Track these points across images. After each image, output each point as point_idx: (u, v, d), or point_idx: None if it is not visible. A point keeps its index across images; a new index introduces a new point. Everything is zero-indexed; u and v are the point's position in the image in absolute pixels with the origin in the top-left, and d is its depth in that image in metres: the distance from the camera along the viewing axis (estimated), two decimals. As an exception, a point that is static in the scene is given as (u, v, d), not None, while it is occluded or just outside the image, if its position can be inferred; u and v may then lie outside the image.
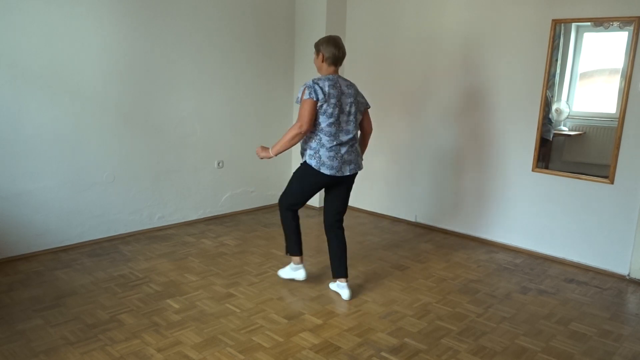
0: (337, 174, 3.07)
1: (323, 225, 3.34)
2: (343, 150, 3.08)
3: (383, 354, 2.61)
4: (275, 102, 5.17)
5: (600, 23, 3.64)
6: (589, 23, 3.69)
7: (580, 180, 3.81)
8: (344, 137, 3.07)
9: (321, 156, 3.04)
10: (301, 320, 2.93)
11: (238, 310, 3.02)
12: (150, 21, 4.06)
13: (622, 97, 3.55)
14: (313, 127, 3.03)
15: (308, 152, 3.09)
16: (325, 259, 3.89)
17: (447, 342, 2.74)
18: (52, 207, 3.76)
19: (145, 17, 4.02)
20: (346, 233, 4.50)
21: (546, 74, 3.85)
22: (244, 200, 5.09)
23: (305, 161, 3.10)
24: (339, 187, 3.22)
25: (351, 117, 3.09)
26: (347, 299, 3.21)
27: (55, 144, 3.70)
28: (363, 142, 3.35)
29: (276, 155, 3.12)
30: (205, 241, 4.19)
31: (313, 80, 3.01)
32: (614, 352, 2.71)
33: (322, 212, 5.33)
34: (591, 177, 3.76)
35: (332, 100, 2.98)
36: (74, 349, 2.55)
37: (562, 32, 3.81)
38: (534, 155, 4.00)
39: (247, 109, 4.92)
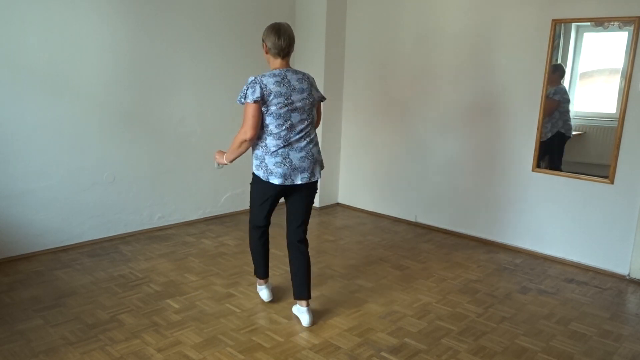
0: (287, 183, 2.71)
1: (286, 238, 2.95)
2: (293, 155, 2.70)
3: (383, 354, 2.61)
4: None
5: (600, 23, 3.64)
6: (589, 23, 3.69)
7: (580, 180, 3.81)
8: (296, 140, 2.70)
9: (267, 164, 2.69)
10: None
11: (238, 310, 3.02)
12: (150, 21, 4.06)
13: (622, 97, 3.55)
14: (261, 130, 2.69)
15: (254, 161, 2.76)
16: (326, 259, 3.89)
17: (447, 342, 2.74)
18: (52, 207, 3.76)
19: (145, 18, 4.02)
20: (346, 233, 4.53)
21: (546, 74, 3.85)
22: (244, 200, 5.08)
23: (253, 172, 2.79)
24: (295, 196, 2.84)
25: (305, 116, 2.72)
26: (308, 325, 2.84)
27: (55, 144, 3.70)
28: None
29: (231, 162, 2.82)
30: (205, 241, 4.19)
31: (258, 77, 2.62)
32: (614, 352, 2.71)
33: (321, 212, 5.36)
34: (591, 177, 3.76)
35: (278, 100, 2.61)
36: (74, 349, 2.55)
37: (562, 32, 3.81)
38: (534, 155, 4.00)
39: (247, 109, 4.91)
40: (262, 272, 3.10)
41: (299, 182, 2.73)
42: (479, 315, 3.07)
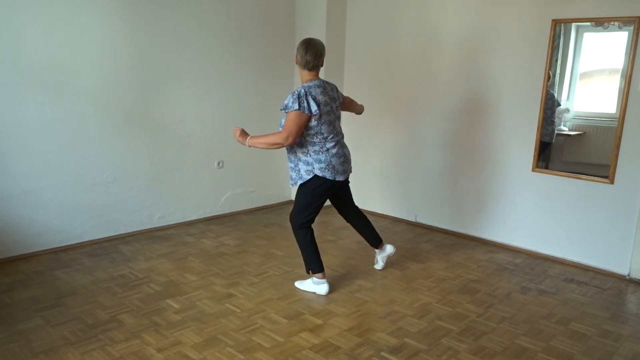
0: (345, 177, 3.20)
1: (343, 219, 3.59)
2: (346, 151, 3.22)
3: (383, 354, 2.61)
4: (275, 102, 5.15)
5: (600, 23, 3.64)
6: (589, 23, 3.69)
7: (580, 180, 3.81)
8: (342, 139, 3.20)
9: (334, 165, 3.08)
10: (301, 320, 2.93)
11: (238, 310, 3.02)
12: (150, 22, 4.06)
13: (622, 97, 3.55)
14: (308, 139, 3.03)
15: (316, 165, 3.05)
16: (325, 259, 3.88)
17: (447, 342, 2.74)
18: (52, 207, 3.76)
19: (146, 18, 4.02)
20: (346, 233, 4.54)
21: (546, 74, 3.85)
22: (244, 200, 5.09)
23: (315, 176, 3.06)
24: (342, 189, 3.36)
25: (339, 120, 3.23)
26: (393, 252, 3.67)
27: (55, 144, 3.70)
28: (359, 111, 3.58)
29: (249, 147, 3.05)
30: (205, 241, 4.19)
31: (305, 89, 2.93)
32: (614, 352, 2.71)
33: (321, 212, 5.33)
34: (591, 177, 3.76)
35: (327, 108, 3.00)
36: (74, 349, 2.55)
37: (562, 32, 3.81)
38: (534, 155, 4.00)
39: (247, 109, 4.92)
40: (320, 265, 3.27)
41: (350, 173, 3.27)
42: (479, 315, 3.07)
